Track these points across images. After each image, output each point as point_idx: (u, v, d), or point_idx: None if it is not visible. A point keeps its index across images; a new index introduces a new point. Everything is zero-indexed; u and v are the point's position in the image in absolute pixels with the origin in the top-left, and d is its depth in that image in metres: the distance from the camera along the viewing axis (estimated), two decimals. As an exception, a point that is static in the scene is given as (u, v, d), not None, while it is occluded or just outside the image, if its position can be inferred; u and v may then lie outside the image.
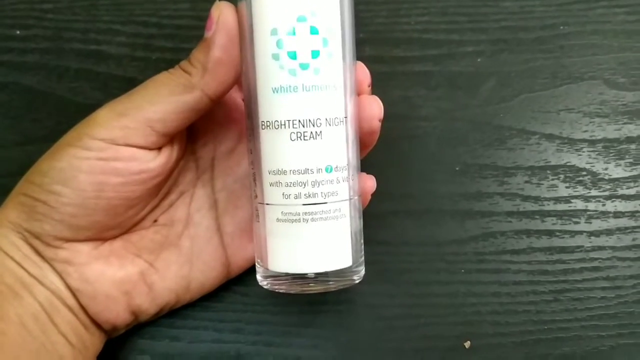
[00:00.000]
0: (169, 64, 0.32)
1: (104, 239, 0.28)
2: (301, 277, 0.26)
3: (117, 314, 0.28)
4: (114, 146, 0.25)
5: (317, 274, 0.25)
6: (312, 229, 0.25)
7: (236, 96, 0.30)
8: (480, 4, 0.34)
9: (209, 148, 0.30)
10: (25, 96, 0.34)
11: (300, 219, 0.25)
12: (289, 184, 0.25)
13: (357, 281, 0.27)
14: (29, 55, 0.34)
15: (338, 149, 0.25)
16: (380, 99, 0.27)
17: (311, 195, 0.25)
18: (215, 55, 0.25)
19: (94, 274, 0.27)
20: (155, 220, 0.29)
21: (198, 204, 0.29)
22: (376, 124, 0.26)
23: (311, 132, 0.24)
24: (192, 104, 0.25)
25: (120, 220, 0.27)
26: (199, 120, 0.27)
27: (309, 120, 0.24)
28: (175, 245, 0.29)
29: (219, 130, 0.30)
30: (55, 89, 0.34)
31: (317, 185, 0.25)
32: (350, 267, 0.26)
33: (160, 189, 0.28)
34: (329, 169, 0.25)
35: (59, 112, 0.34)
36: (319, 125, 0.24)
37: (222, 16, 0.25)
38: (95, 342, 0.28)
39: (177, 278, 0.29)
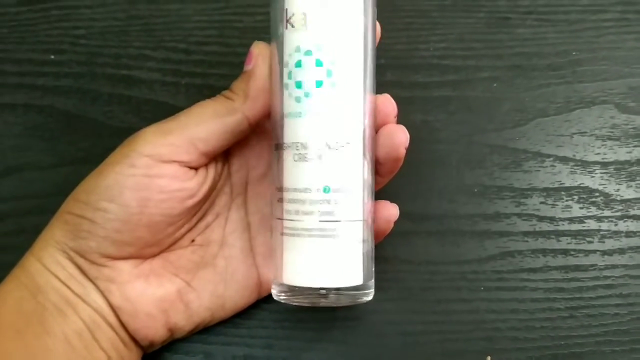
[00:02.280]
0: (197, 89, 0.34)
1: (144, 257, 0.29)
2: (312, 291, 0.27)
3: (155, 331, 0.28)
4: (159, 163, 0.27)
5: (313, 288, 0.26)
6: (306, 244, 0.26)
7: (267, 125, 0.31)
8: (495, 31, 0.34)
9: (242, 173, 0.31)
10: (60, 119, 0.35)
11: (297, 234, 0.26)
12: (289, 201, 0.26)
13: (366, 299, 0.27)
14: (63, 80, 0.35)
15: (338, 172, 0.26)
16: (401, 123, 0.28)
17: (307, 213, 0.26)
18: (257, 84, 0.27)
19: (134, 292, 0.28)
20: (193, 241, 0.30)
21: (232, 227, 0.30)
22: (402, 152, 0.27)
23: (311, 154, 0.26)
24: (234, 125, 0.27)
25: (161, 237, 0.28)
26: (234, 147, 0.29)
27: (310, 144, 0.26)
28: (211, 265, 0.30)
29: (251, 156, 0.31)
30: (89, 112, 0.35)
31: (313, 204, 0.26)
32: (359, 285, 0.27)
33: (198, 210, 0.29)
34: (326, 190, 0.26)
35: (93, 135, 0.34)
36: (319, 148, 0.26)
37: (261, 53, 0.27)
38: (132, 357, 0.29)
39: (213, 297, 0.29)
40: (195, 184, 0.28)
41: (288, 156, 0.26)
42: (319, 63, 0.26)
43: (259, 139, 0.31)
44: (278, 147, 0.27)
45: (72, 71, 0.35)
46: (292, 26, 0.26)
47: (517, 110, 0.34)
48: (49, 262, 0.27)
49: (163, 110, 0.33)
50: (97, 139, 0.34)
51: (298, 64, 0.26)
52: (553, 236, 0.33)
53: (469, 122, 0.34)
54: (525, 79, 0.34)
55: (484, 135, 0.34)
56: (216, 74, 0.35)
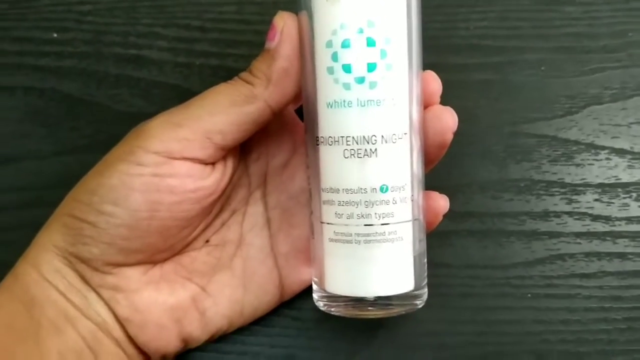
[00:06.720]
0: (213, 71, 0.33)
1: (154, 262, 0.26)
2: (358, 300, 0.25)
3: (167, 342, 0.26)
4: (169, 161, 0.24)
5: (377, 298, 0.24)
6: (365, 251, 0.24)
7: (289, 107, 0.28)
8: (542, 9, 0.32)
9: (261, 163, 0.29)
10: (62, 103, 0.33)
11: (352, 240, 0.24)
12: (341, 203, 0.24)
13: (419, 306, 0.26)
14: (66, 60, 0.33)
15: (395, 168, 0.24)
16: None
17: (364, 216, 0.24)
18: (281, 65, 0.24)
19: (144, 301, 0.25)
20: (207, 241, 0.28)
21: (251, 223, 0.28)
22: (449, 137, 0.25)
23: (365, 150, 0.24)
24: (255, 115, 0.24)
25: (173, 242, 0.26)
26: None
27: (364, 137, 0.24)
28: (228, 267, 0.28)
29: (271, 143, 0.29)
30: (94, 95, 0.33)
31: (371, 205, 0.24)
32: (411, 292, 0.25)
33: (214, 208, 0.27)
34: (384, 189, 0.24)
35: (98, 120, 0.33)
36: (374, 142, 0.24)
37: (287, 27, 0.24)
38: (139, 373, 0.27)
39: (230, 302, 0.27)
40: (213, 181, 0.25)
41: (335, 152, 0.24)
42: (370, 42, 0.23)
43: (279, 123, 0.28)
44: (318, 141, 0.24)
45: (77, 51, 0.33)
46: None
47: (567, 97, 0.32)
48: (46, 270, 0.25)
49: (174, 94, 0.33)
50: (103, 125, 0.33)
51: (345, 44, 0.23)
52: (609, 238, 0.31)
53: (513, 110, 0.32)
54: (575, 62, 0.32)
55: (530, 124, 0.32)
56: (234, 54, 0.33)
